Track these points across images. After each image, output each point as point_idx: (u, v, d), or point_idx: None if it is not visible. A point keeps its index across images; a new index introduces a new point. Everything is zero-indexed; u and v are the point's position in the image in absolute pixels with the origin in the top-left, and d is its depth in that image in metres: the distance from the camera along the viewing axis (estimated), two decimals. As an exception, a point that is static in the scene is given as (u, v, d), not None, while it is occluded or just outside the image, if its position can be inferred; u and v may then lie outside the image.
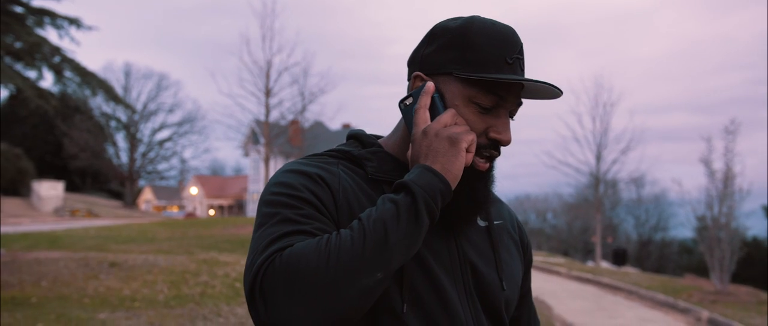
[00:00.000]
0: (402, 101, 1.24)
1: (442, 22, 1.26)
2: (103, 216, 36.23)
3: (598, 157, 26.18)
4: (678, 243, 47.78)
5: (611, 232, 45.57)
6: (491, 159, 1.23)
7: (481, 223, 1.32)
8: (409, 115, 1.22)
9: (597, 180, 26.46)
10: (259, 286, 1.01)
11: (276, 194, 1.16)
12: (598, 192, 26.74)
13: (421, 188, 1.08)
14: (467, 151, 1.15)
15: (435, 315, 1.17)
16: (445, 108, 1.20)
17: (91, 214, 36.21)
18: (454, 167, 1.12)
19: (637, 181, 44.84)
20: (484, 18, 1.23)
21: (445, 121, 1.16)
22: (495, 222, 1.36)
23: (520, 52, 1.21)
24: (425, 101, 1.19)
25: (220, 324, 7.98)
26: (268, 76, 23.70)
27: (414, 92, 1.22)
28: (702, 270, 22.08)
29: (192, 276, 10.66)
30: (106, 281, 10.02)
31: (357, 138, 1.34)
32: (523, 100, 1.25)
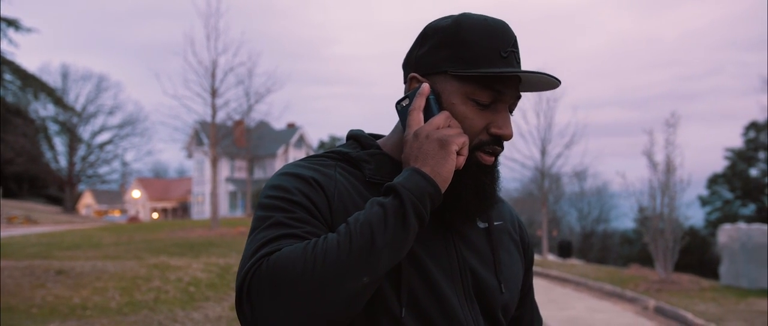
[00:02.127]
0: (399, 102, 1.24)
1: (432, 22, 1.25)
2: (43, 222, 35.08)
3: (543, 152, 26.72)
4: (619, 234, 49.14)
5: (555, 225, 46.51)
6: (495, 154, 1.23)
7: (481, 225, 1.32)
8: (405, 116, 1.22)
9: (542, 174, 26.99)
10: (246, 290, 1.02)
11: (270, 197, 1.16)
12: (544, 187, 27.29)
13: (409, 191, 1.07)
14: (459, 153, 1.15)
15: (433, 318, 1.17)
16: (440, 109, 1.19)
17: (29, 221, 35.01)
18: (443, 170, 1.11)
19: (580, 175, 45.90)
20: (475, 14, 1.22)
21: (436, 124, 1.15)
22: (495, 223, 1.35)
23: (515, 45, 1.21)
24: (419, 103, 1.19)
25: (177, 329, 7.85)
26: (213, 77, 23.33)
27: (410, 93, 1.22)
28: (644, 260, 22.76)
29: (143, 281, 10.44)
30: (54, 289, 9.73)
31: (356, 139, 1.33)
32: (522, 94, 1.25)
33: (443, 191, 1.12)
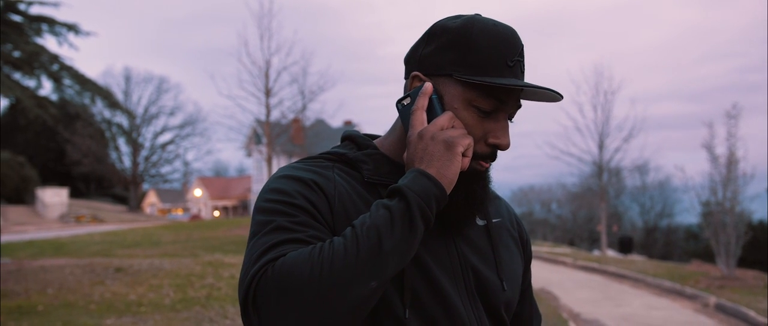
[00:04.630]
0: (399, 101, 1.21)
1: (441, 20, 1.23)
2: (108, 221, 36.30)
3: (601, 146, 26.08)
4: (684, 229, 47.71)
5: (616, 220, 45.53)
6: (488, 162, 1.22)
7: (480, 222, 1.30)
8: (406, 115, 1.20)
9: (600, 169, 26.38)
10: (251, 298, 1.00)
11: (270, 201, 1.14)
12: (602, 181, 26.68)
13: (416, 194, 1.06)
14: (464, 155, 1.13)
15: (437, 319, 1.16)
16: (443, 110, 1.17)
17: (96, 220, 36.28)
18: (449, 172, 1.10)
19: (641, 169, 44.75)
20: (485, 18, 1.20)
21: (441, 124, 1.13)
22: (494, 220, 1.34)
23: (521, 54, 1.19)
24: (423, 102, 1.16)
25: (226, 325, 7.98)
26: (267, 76, 23.62)
27: (412, 92, 1.19)
28: (708, 256, 22.05)
29: (197, 278, 10.67)
30: (112, 286, 10.03)
31: (352, 139, 1.31)
32: (523, 102, 1.23)
33: (448, 193, 1.11)
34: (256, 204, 1.17)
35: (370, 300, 1.02)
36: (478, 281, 1.23)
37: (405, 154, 1.18)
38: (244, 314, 1.02)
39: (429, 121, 1.16)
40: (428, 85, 1.17)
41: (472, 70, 1.15)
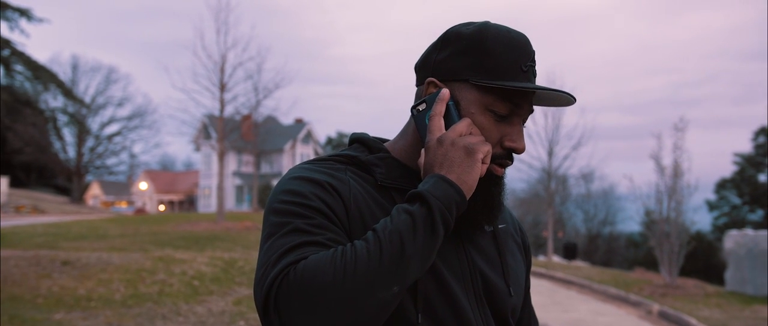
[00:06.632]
0: (415, 107, 1.22)
1: (454, 27, 1.24)
2: (50, 212, 35.23)
3: (550, 153, 26.60)
4: (625, 237, 48.98)
5: (561, 227, 46.38)
6: (505, 166, 1.23)
7: (487, 228, 1.31)
8: (421, 121, 1.20)
9: (549, 175, 26.89)
10: (273, 301, 1.00)
11: (285, 202, 1.13)
12: (550, 188, 27.19)
13: (438, 199, 1.06)
14: (482, 162, 1.14)
15: (447, 323, 1.17)
16: (460, 116, 1.18)
17: (37, 210, 35.19)
18: (469, 178, 1.11)
19: (587, 177, 45.77)
20: (497, 24, 1.22)
21: (460, 130, 1.14)
22: (500, 226, 1.36)
23: (533, 59, 1.21)
24: (440, 108, 1.17)
25: (180, 323, 7.88)
26: (222, 71, 23.40)
27: (428, 98, 1.20)
28: (649, 264, 22.71)
29: (148, 274, 10.48)
30: (59, 280, 9.78)
31: (362, 142, 1.31)
32: (535, 107, 1.25)
33: (468, 198, 1.12)
34: (269, 205, 1.17)
35: (392, 305, 1.03)
36: (486, 286, 1.25)
37: (422, 159, 1.19)
38: (265, 316, 1.02)
39: (446, 127, 1.17)
40: (445, 91, 1.17)
41: (488, 74, 1.16)
